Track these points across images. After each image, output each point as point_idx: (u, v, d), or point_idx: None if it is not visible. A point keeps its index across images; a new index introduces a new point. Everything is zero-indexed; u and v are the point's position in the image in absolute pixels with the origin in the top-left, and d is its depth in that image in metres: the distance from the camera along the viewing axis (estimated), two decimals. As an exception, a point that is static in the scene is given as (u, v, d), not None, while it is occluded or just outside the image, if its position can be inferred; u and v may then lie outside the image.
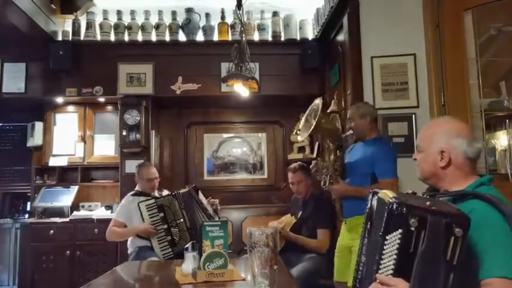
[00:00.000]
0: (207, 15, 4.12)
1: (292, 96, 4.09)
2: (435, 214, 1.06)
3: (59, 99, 4.19)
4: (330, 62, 3.89)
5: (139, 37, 4.08)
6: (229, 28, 4.13)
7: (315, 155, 2.72)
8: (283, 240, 3.10)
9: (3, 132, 4.66)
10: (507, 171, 3.30)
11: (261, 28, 4.14)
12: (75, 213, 4.05)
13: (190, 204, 3.19)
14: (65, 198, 4.18)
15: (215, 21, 4.15)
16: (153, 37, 4.09)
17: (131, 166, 3.87)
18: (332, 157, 2.56)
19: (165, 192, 3.39)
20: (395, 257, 1.07)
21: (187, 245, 2.03)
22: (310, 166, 2.75)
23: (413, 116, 3.02)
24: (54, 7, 3.94)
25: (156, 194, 3.32)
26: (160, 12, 4.09)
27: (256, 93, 3.46)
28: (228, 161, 4.61)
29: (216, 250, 1.89)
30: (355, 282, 1.28)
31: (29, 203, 4.43)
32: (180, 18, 4.11)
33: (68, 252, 3.87)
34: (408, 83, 3.06)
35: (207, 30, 4.11)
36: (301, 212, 3.27)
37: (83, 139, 4.33)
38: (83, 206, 4.20)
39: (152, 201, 3.14)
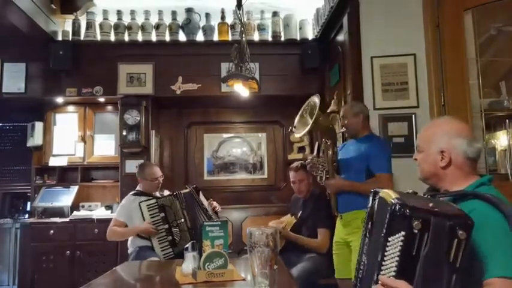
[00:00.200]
0: (207, 15, 4.12)
1: (292, 96, 4.09)
2: (438, 216, 1.05)
3: (59, 99, 4.19)
4: (329, 62, 3.89)
5: (139, 37, 4.08)
6: (229, 28, 4.13)
7: (315, 154, 2.72)
8: (284, 240, 3.11)
9: (3, 132, 4.66)
10: (507, 171, 3.30)
11: (261, 28, 4.14)
12: (75, 213, 4.05)
13: (191, 205, 3.19)
14: (65, 198, 4.18)
15: (215, 21, 4.15)
16: (153, 37, 4.09)
17: (131, 166, 3.87)
18: (330, 152, 2.57)
19: (166, 193, 3.38)
20: (397, 258, 1.06)
21: (187, 245, 2.03)
22: (306, 162, 2.76)
23: (413, 116, 3.02)
24: (54, 7, 3.94)
25: (157, 194, 3.31)
26: (160, 12, 4.09)
27: (256, 93, 3.46)
28: (228, 161, 4.61)
29: (216, 250, 1.89)
30: (356, 282, 1.28)
31: (29, 203, 4.44)
32: (180, 18, 4.11)
33: (68, 252, 3.87)
34: (408, 83, 3.06)
35: (207, 30, 4.11)
36: (301, 212, 3.27)
37: (83, 139, 4.34)
38: (83, 206, 4.20)
39: (153, 201, 3.14)
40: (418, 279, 1.03)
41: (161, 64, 4.03)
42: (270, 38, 4.16)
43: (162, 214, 3.11)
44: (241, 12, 3.00)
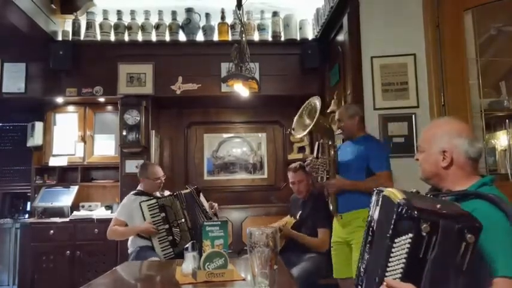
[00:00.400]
0: (207, 15, 4.12)
1: (292, 96, 4.09)
2: (447, 219, 1.03)
3: (59, 99, 4.19)
4: (329, 62, 3.89)
5: (139, 37, 4.08)
6: (229, 28, 4.13)
7: (314, 155, 2.72)
8: (284, 239, 3.11)
9: (3, 132, 4.66)
10: (507, 171, 3.30)
11: (261, 28, 4.14)
12: (75, 213, 4.05)
13: (191, 205, 3.19)
14: (65, 198, 4.18)
15: (215, 21, 4.15)
16: (153, 37, 4.09)
17: (131, 166, 3.88)
18: (332, 152, 2.58)
19: (167, 193, 3.38)
20: (404, 261, 1.04)
21: (187, 245, 2.03)
22: (305, 163, 2.76)
23: (413, 116, 3.02)
24: (54, 7, 3.94)
25: (158, 194, 3.31)
26: (160, 12, 4.09)
27: (256, 93, 3.46)
28: (228, 161, 4.61)
29: (216, 250, 1.88)
30: (358, 281, 1.27)
31: (29, 203, 4.44)
32: (180, 18, 4.12)
33: (68, 252, 3.87)
34: (408, 83, 3.06)
35: (207, 30, 4.11)
36: (300, 212, 3.27)
37: (83, 139, 4.34)
38: (83, 206, 4.20)
39: (154, 201, 3.14)
40: (426, 283, 1.01)
41: (161, 64, 4.03)
42: (270, 38, 4.16)
43: (163, 214, 3.11)
44: (241, 12, 3.00)
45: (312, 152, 3.96)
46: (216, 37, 4.14)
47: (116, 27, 4.05)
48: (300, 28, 4.17)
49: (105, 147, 4.37)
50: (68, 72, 3.99)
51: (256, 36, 4.15)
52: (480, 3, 2.96)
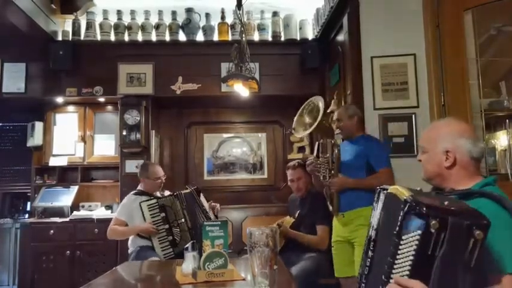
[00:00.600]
0: (207, 15, 4.12)
1: (292, 96, 4.08)
2: (456, 216, 1.02)
3: (59, 99, 4.19)
4: (330, 62, 3.89)
5: (139, 37, 4.08)
6: (229, 28, 4.13)
7: (314, 155, 2.73)
8: (283, 238, 3.11)
9: (3, 132, 4.66)
10: (507, 171, 3.30)
11: (261, 28, 4.14)
12: (75, 213, 4.05)
13: (191, 205, 3.19)
14: (65, 198, 4.18)
15: (215, 21, 4.15)
16: (153, 37, 4.09)
17: (131, 166, 3.88)
18: (336, 151, 2.58)
19: (167, 193, 3.38)
20: (412, 258, 1.03)
21: (187, 245, 2.03)
22: (307, 163, 2.76)
23: (413, 116, 3.02)
24: (54, 7, 3.94)
25: (158, 194, 3.31)
26: (160, 12, 4.09)
27: (256, 93, 3.46)
28: (228, 161, 4.61)
29: (216, 250, 1.89)
30: (362, 279, 1.26)
31: (29, 203, 4.44)
32: (180, 18, 4.12)
33: (68, 252, 3.87)
34: (408, 83, 3.06)
35: (207, 30, 4.11)
36: (298, 211, 3.27)
37: (83, 139, 4.34)
38: (83, 206, 4.20)
39: (154, 201, 3.14)
40: (434, 280, 1.01)
41: (161, 64, 4.03)
42: (270, 38, 4.16)
43: (163, 214, 3.11)
44: (241, 12, 3.00)
45: (311, 151, 3.96)
46: (216, 37, 4.14)
47: (116, 27, 4.05)
48: (300, 28, 4.17)
49: (105, 147, 4.37)
50: (68, 72, 3.99)
51: (256, 36, 4.15)
52: (480, 3, 2.97)
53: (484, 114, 3.02)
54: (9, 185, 4.58)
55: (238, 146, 4.65)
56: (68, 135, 4.35)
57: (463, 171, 1.37)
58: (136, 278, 2.31)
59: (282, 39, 4.16)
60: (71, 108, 4.40)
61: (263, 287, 1.42)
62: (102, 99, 4.20)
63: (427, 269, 1.02)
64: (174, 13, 4.10)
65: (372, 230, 1.26)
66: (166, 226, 3.10)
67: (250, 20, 4.08)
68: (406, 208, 1.05)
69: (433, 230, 1.01)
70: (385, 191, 1.23)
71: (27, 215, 4.43)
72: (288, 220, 3.30)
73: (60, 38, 4.06)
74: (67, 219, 3.98)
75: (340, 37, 3.47)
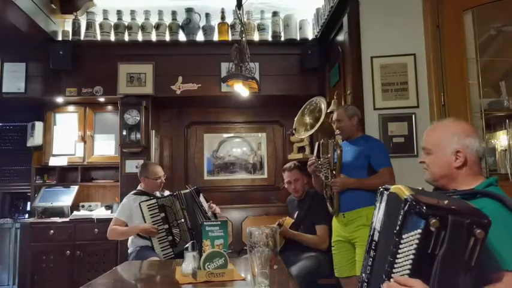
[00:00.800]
0: (207, 15, 4.12)
1: (292, 96, 4.08)
2: (456, 215, 1.02)
3: (59, 99, 4.19)
4: (330, 62, 3.89)
5: (139, 37, 4.08)
6: (229, 28, 4.13)
7: (315, 155, 2.73)
8: (283, 238, 3.11)
9: (3, 132, 4.66)
10: (507, 171, 3.30)
11: (261, 28, 4.14)
12: (75, 213, 4.05)
13: (191, 205, 3.19)
14: (65, 198, 4.18)
15: (215, 21, 4.15)
16: (153, 37, 4.09)
17: (131, 166, 3.88)
18: (339, 151, 2.58)
19: (167, 193, 3.39)
20: (412, 257, 1.03)
21: (187, 245, 2.03)
22: (308, 164, 2.75)
23: (413, 116, 3.03)
24: (54, 7, 3.93)
25: (158, 194, 3.32)
26: (160, 12, 4.09)
27: (256, 93, 3.46)
28: (228, 161, 4.61)
29: (216, 250, 1.89)
30: (363, 278, 1.26)
31: (29, 203, 4.43)
32: (180, 18, 4.11)
33: (68, 252, 3.87)
34: (408, 83, 3.06)
35: (207, 30, 4.11)
36: (297, 212, 3.27)
37: (83, 139, 4.34)
38: (83, 206, 4.21)
39: (154, 201, 3.15)
40: (435, 279, 1.01)
41: (161, 64, 4.03)
42: (270, 38, 4.16)
43: (163, 214, 3.11)
44: (241, 12, 2.99)
45: (312, 152, 3.96)
46: (216, 37, 4.14)
47: (116, 27, 4.05)
48: (300, 28, 4.17)
49: (105, 147, 4.37)
50: (68, 72, 3.99)
51: (256, 36, 4.15)
52: (480, 3, 2.97)
53: (484, 114, 3.02)
54: (9, 185, 4.58)
55: (238, 146, 4.65)
56: (68, 135, 4.35)
57: (470, 171, 1.37)
58: (136, 278, 2.31)
59: (282, 39, 4.15)
60: (71, 108, 4.40)
61: (263, 287, 1.42)
62: (102, 99, 4.20)
63: (428, 268, 1.02)
64: (174, 13, 4.10)
65: (374, 230, 1.26)
66: (166, 226, 3.10)
67: (250, 20, 4.08)
68: (406, 207, 1.06)
69: (433, 229, 1.01)
70: (387, 191, 1.23)
71: (27, 215, 4.43)
72: (288, 221, 3.30)
73: (60, 38, 4.06)
74: (67, 219, 3.98)
75: (340, 37, 3.47)
